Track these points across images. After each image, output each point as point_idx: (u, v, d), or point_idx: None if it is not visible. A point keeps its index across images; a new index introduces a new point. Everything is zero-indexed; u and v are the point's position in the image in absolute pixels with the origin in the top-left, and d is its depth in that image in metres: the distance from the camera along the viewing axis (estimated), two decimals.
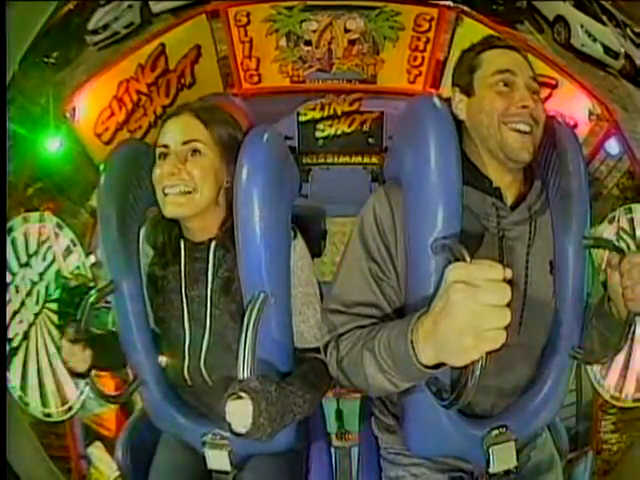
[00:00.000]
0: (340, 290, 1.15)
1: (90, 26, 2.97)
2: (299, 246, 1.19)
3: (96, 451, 2.36)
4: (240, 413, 0.92)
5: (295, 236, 1.19)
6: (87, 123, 2.52)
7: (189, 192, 1.12)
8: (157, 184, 1.13)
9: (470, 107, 1.14)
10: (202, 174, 1.12)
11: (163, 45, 2.72)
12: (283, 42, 3.02)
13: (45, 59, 2.75)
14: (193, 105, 1.18)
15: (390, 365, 0.95)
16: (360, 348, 1.02)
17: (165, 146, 1.13)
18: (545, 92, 2.52)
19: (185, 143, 1.12)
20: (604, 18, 2.48)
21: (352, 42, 3.03)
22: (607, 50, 2.51)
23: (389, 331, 0.95)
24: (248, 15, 2.91)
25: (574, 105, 2.52)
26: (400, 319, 0.99)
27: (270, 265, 1.11)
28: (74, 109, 2.45)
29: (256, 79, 3.07)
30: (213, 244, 1.19)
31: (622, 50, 2.47)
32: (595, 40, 2.53)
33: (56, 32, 2.53)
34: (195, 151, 1.13)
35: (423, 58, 2.98)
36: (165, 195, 1.12)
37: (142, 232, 1.25)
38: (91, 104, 2.55)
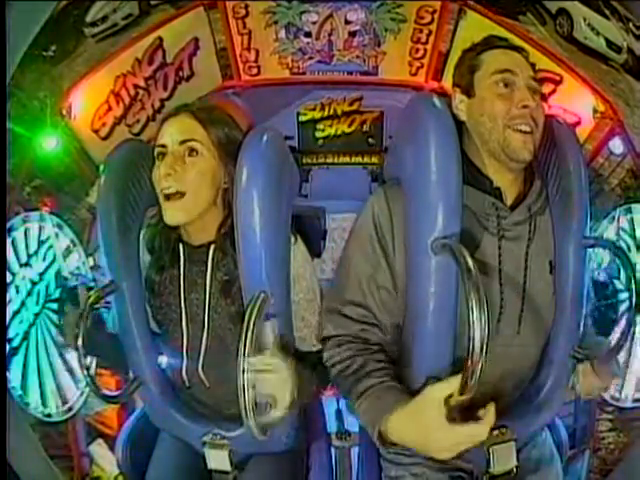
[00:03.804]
0: (336, 289, 1.17)
1: (88, 18, 2.93)
2: (300, 252, 1.19)
3: (98, 449, 2.37)
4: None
5: (296, 241, 1.19)
6: (84, 119, 2.50)
7: (185, 193, 1.11)
8: (156, 185, 1.13)
9: (471, 108, 1.13)
10: (199, 175, 1.12)
11: (160, 38, 2.68)
12: (282, 34, 2.98)
13: (43, 52, 2.72)
14: (192, 106, 1.17)
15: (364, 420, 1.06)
16: (347, 385, 1.09)
17: (163, 146, 1.13)
18: (549, 88, 2.50)
19: (182, 142, 1.12)
20: (607, 12, 2.45)
21: (353, 34, 3.00)
22: (610, 44, 2.49)
23: (367, 404, 1.04)
24: (246, 7, 2.88)
25: (578, 102, 2.50)
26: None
27: (270, 266, 1.11)
28: (71, 105, 2.43)
29: (255, 71, 3.04)
30: (212, 247, 1.19)
31: (625, 44, 2.45)
32: (598, 34, 2.50)
33: (54, 25, 2.50)
34: (192, 151, 1.12)
35: (425, 50, 2.95)
36: (166, 200, 1.12)
37: (142, 234, 1.25)
38: (88, 100, 2.52)
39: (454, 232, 1.03)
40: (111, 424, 2.38)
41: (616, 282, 2.08)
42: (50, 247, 2.14)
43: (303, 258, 1.20)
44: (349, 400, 1.10)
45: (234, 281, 1.15)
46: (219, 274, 1.18)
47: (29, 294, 2.04)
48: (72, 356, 2.04)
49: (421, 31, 2.90)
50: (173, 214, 1.12)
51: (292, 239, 1.18)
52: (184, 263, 1.20)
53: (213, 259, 1.18)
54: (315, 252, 1.30)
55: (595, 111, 2.44)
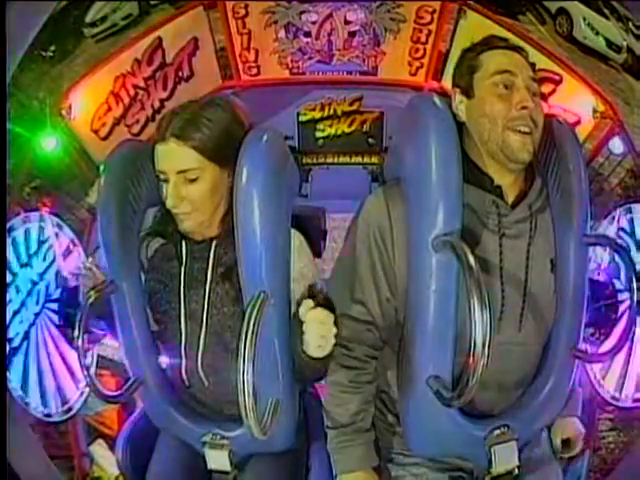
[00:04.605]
0: (333, 290, 1.17)
1: (88, 18, 2.95)
2: (304, 252, 1.19)
3: (98, 449, 2.37)
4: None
5: (299, 241, 1.19)
6: (84, 119, 2.50)
7: (194, 212, 1.14)
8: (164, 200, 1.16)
9: (470, 109, 1.13)
10: (204, 195, 1.14)
11: (160, 39, 2.69)
12: (282, 34, 2.99)
13: (43, 53, 2.73)
14: (177, 125, 1.12)
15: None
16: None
17: (161, 172, 1.14)
18: (549, 87, 2.50)
19: (180, 172, 1.12)
20: (606, 12, 2.46)
21: (352, 34, 3.00)
22: (609, 44, 2.50)
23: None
24: (246, 7, 2.88)
25: (578, 101, 2.51)
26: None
27: (270, 266, 1.11)
28: (70, 105, 2.43)
29: (255, 71, 3.05)
30: (214, 243, 1.19)
31: (624, 44, 2.46)
32: (598, 33, 2.51)
33: (54, 25, 2.51)
34: (192, 177, 1.12)
35: (425, 50, 2.95)
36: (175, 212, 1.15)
37: (142, 232, 1.25)
38: (87, 100, 2.53)
39: (455, 230, 1.04)
40: (111, 424, 2.38)
41: (616, 282, 2.08)
42: (50, 247, 2.14)
43: (307, 258, 1.20)
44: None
45: (235, 277, 1.15)
46: (220, 269, 1.18)
47: (29, 294, 2.04)
48: (72, 356, 2.04)
49: (421, 31, 2.90)
50: (184, 224, 1.16)
51: (295, 239, 1.17)
52: (185, 259, 1.21)
53: (215, 254, 1.19)
54: (315, 252, 1.30)
55: (595, 111, 2.45)
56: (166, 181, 1.13)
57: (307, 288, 1.15)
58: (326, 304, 1.03)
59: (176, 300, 1.21)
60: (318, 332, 1.00)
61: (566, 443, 1.31)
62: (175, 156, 1.12)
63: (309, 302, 1.02)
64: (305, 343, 1.03)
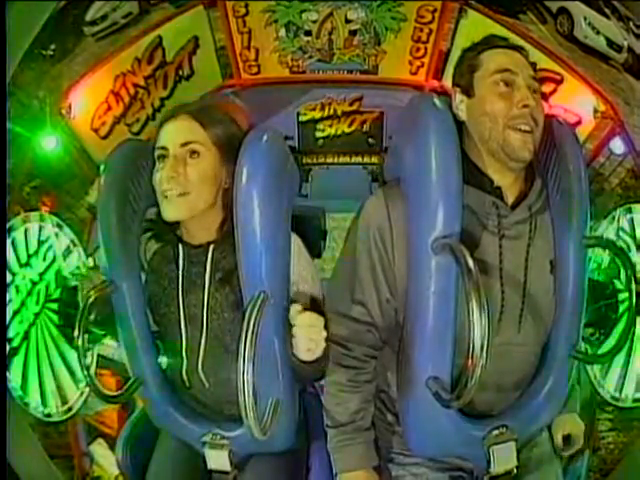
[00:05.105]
0: (333, 290, 1.19)
1: (88, 17, 2.94)
2: (303, 255, 1.19)
3: (98, 448, 2.38)
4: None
5: (297, 244, 1.18)
6: (84, 118, 2.50)
7: (188, 194, 1.11)
8: (157, 187, 1.13)
9: (471, 108, 1.13)
10: (201, 177, 1.12)
11: (160, 37, 2.69)
12: (282, 32, 2.99)
13: (43, 52, 2.72)
14: (190, 106, 1.17)
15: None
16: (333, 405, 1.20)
17: (163, 148, 1.13)
18: (550, 87, 2.50)
19: (183, 145, 1.12)
20: (607, 11, 2.47)
21: (353, 32, 3.00)
22: (610, 43, 2.51)
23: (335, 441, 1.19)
24: (246, 6, 2.88)
25: (579, 101, 2.51)
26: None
27: (270, 266, 1.11)
28: (70, 104, 2.43)
29: (255, 70, 3.05)
30: (212, 247, 1.18)
31: (625, 43, 2.46)
32: (598, 33, 2.52)
33: (54, 24, 2.50)
34: (193, 152, 1.12)
35: (426, 49, 2.95)
36: (165, 198, 1.12)
37: (142, 233, 1.24)
38: (87, 99, 2.52)
39: (454, 232, 1.04)
40: (111, 424, 2.38)
41: (616, 282, 2.08)
42: (50, 247, 2.13)
43: (306, 261, 1.19)
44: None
45: (234, 280, 1.15)
46: (218, 274, 1.18)
47: (29, 294, 2.03)
48: (72, 356, 2.04)
49: (422, 30, 2.90)
50: (173, 210, 1.12)
51: (294, 242, 1.17)
52: (183, 263, 1.20)
53: (212, 259, 1.18)
54: (315, 252, 1.30)
55: (596, 111, 2.45)
56: (165, 158, 1.12)
57: (295, 293, 1.15)
58: (315, 307, 1.03)
59: (175, 304, 1.20)
60: (307, 335, 1.00)
61: (567, 439, 1.31)
62: (183, 128, 1.13)
63: (297, 306, 1.02)
64: (295, 347, 1.03)
